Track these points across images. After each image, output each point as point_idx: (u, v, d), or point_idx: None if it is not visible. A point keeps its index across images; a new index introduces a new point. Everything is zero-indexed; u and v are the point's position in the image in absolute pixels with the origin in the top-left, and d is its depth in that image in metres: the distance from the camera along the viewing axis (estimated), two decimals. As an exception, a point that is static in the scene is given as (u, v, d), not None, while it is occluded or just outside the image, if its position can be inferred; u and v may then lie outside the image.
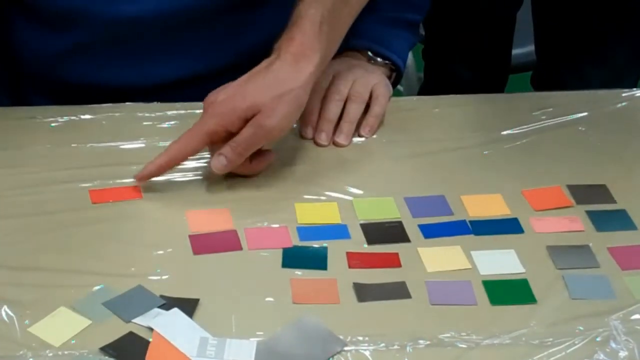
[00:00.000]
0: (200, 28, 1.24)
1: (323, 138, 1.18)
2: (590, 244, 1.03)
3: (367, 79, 1.22)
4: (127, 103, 1.23)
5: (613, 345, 0.90)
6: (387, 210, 1.07)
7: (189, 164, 1.13)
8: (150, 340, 0.88)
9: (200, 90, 1.26)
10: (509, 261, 1.00)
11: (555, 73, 1.68)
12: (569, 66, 1.64)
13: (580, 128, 1.23)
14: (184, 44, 1.25)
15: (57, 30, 1.23)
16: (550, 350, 0.89)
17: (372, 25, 1.30)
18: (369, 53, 1.27)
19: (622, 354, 0.88)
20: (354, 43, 1.28)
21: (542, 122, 1.24)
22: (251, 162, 1.10)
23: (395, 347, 0.89)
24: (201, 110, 1.23)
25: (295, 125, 1.21)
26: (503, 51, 1.83)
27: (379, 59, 1.27)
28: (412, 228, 1.05)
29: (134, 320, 0.90)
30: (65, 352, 0.87)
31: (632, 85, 1.36)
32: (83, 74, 1.26)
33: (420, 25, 1.38)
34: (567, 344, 0.89)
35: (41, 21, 1.24)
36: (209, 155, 1.14)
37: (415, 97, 1.37)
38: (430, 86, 1.83)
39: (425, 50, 1.83)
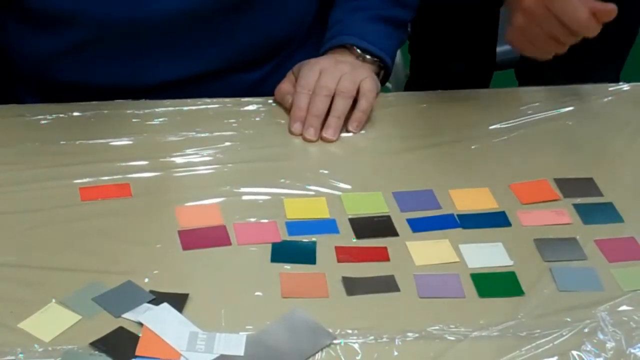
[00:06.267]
0: (194, 30, 1.24)
1: (311, 133, 1.19)
2: (578, 237, 1.03)
3: (355, 74, 1.23)
4: (116, 100, 1.23)
5: (600, 336, 0.90)
6: (375, 204, 1.08)
7: (178, 159, 1.13)
8: (140, 335, 0.89)
9: (191, 92, 1.26)
10: (497, 254, 1.01)
11: (536, 68, 1.68)
12: (550, 61, 1.64)
13: (567, 122, 1.24)
14: (177, 46, 1.25)
15: (49, 31, 1.23)
16: (538, 342, 0.89)
17: (361, 23, 1.30)
18: (357, 50, 1.28)
19: (610, 344, 0.89)
20: (342, 40, 1.28)
21: (529, 116, 1.24)
22: None
23: (384, 339, 0.89)
24: (189, 107, 1.24)
25: (283, 122, 1.22)
26: (488, 46, 1.83)
27: (367, 56, 1.28)
28: (400, 222, 1.05)
29: (123, 316, 0.91)
30: (56, 348, 0.87)
31: (611, 80, 1.36)
32: (75, 74, 1.26)
33: (408, 23, 1.38)
34: (555, 335, 0.90)
35: (34, 22, 1.24)
36: (196, 150, 1.14)
37: (403, 93, 1.37)
38: (416, 81, 1.83)
39: (411, 46, 1.84)
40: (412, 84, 1.84)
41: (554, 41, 1.21)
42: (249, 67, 1.31)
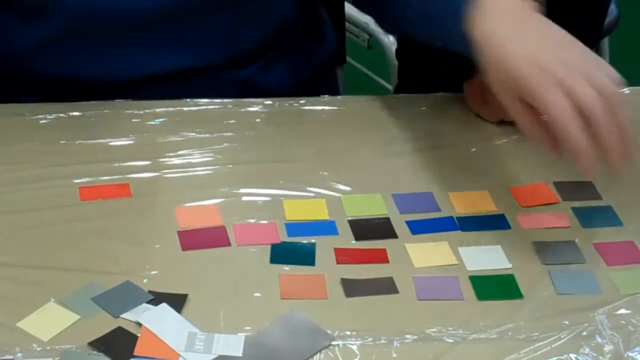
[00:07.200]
0: (182, 23, 1.23)
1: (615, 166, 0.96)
2: (576, 240, 1.04)
3: (600, 69, 0.99)
4: (116, 100, 1.23)
5: (599, 339, 0.90)
6: (374, 206, 1.08)
7: (178, 160, 1.13)
8: (139, 335, 0.89)
9: (182, 86, 1.25)
10: (496, 257, 1.01)
11: None
12: None
13: (567, 125, 1.24)
14: (162, 38, 1.24)
15: (31, 21, 1.21)
16: (537, 345, 0.89)
17: None
18: None
19: (608, 348, 0.89)
20: None
21: (529, 119, 1.24)
22: None
23: (383, 341, 0.89)
24: (189, 108, 1.24)
25: (284, 123, 1.22)
26: None
27: None
28: (399, 224, 1.05)
29: (122, 316, 0.91)
30: (54, 347, 0.87)
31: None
32: (60, 67, 1.24)
33: None
34: (553, 338, 0.90)
35: (14, 12, 1.22)
36: (196, 151, 1.14)
37: (403, 95, 1.37)
38: (404, 86, 1.81)
39: (398, 50, 1.82)
40: (401, 90, 1.82)
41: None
42: (238, 64, 1.29)
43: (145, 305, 0.92)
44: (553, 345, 0.89)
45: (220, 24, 1.26)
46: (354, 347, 0.89)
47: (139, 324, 0.90)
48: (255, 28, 1.29)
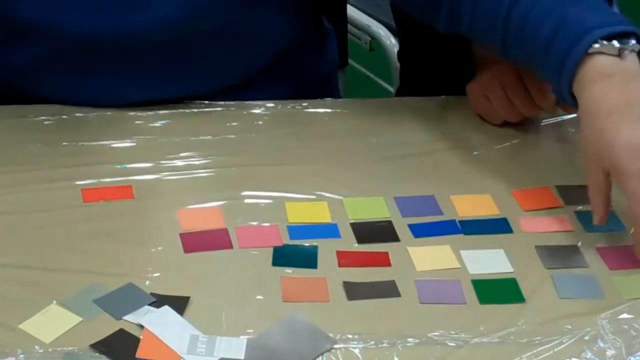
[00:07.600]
0: (178, 49, 1.22)
1: None
2: (579, 244, 1.04)
3: None
4: (119, 102, 1.24)
5: (601, 344, 0.90)
6: (377, 209, 1.08)
7: (180, 162, 1.13)
8: (141, 337, 0.89)
9: None
10: (498, 261, 1.01)
11: None
12: None
13: (569, 129, 1.24)
14: (156, 66, 1.22)
15: (19, 43, 1.20)
16: (539, 349, 0.89)
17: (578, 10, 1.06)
18: (612, 43, 1.02)
19: (610, 352, 0.89)
20: (591, 39, 1.02)
21: (532, 123, 1.24)
22: None
23: (385, 345, 0.89)
24: (192, 110, 1.24)
25: (286, 125, 1.22)
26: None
27: (632, 42, 1.02)
28: (402, 227, 1.05)
29: (124, 318, 0.91)
30: (56, 349, 0.87)
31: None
32: (51, 90, 1.23)
33: None
34: (555, 342, 0.90)
35: (2, 32, 1.20)
36: (199, 153, 1.14)
37: (404, 98, 1.37)
38: (405, 89, 1.81)
39: (400, 53, 1.81)
40: (402, 92, 1.82)
41: (510, 106, 1.21)
42: (237, 89, 1.27)
43: (147, 307, 0.92)
44: (555, 350, 0.89)
45: (219, 52, 1.24)
46: (356, 351, 0.88)
47: (141, 326, 0.90)
48: (255, 54, 1.27)
